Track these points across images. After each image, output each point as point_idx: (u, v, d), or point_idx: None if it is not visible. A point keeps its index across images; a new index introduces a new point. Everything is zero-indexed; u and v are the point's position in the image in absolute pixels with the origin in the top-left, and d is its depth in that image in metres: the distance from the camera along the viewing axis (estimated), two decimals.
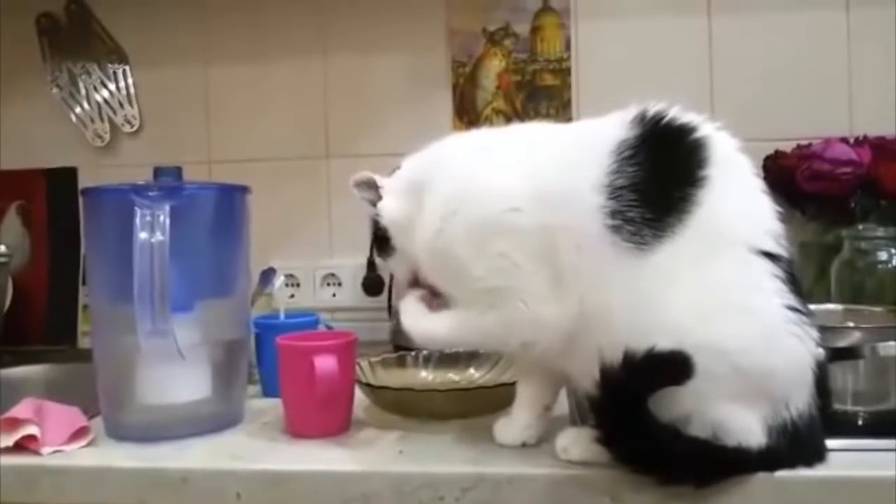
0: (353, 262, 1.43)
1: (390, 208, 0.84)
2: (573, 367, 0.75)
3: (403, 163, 0.86)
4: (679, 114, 0.74)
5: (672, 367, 0.65)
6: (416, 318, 0.80)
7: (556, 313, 0.72)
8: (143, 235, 0.81)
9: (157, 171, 0.91)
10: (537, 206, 0.73)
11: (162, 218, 0.82)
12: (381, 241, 0.85)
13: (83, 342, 1.49)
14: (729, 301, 0.69)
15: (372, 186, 0.86)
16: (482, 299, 0.75)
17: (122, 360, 0.89)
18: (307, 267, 1.48)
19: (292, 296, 1.45)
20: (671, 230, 0.69)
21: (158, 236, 0.81)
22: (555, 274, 0.72)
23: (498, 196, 0.74)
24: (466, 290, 0.76)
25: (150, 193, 0.84)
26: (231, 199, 0.95)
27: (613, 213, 0.70)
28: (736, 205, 0.71)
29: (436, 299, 0.81)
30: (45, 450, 0.82)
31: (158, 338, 0.81)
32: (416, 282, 0.83)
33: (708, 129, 0.73)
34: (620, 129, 0.73)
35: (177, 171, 0.91)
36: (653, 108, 0.74)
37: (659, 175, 0.71)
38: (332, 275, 1.47)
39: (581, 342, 0.72)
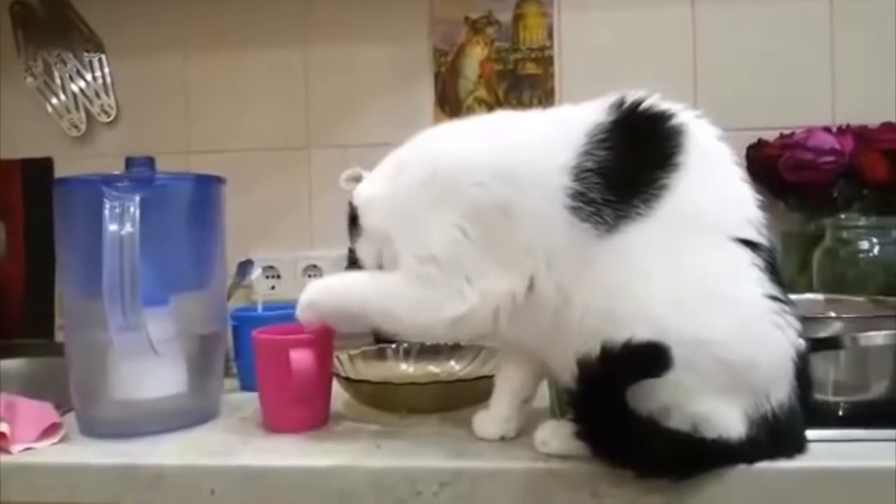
0: (334, 253, 1.41)
1: (363, 190, 0.85)
2: (551, 359, 0.75)
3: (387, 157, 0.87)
4: (658, 101, 0.73)
5: (650, 359, 0.64)
6: (326, 280, 0.83)
7: (498, 290, 0.73)
8: (112, 227, 0.80)
9: (129, 162, 0.89)
10: (502, 182, 0.73)
11: (132, 209, 0.80)
12: (352, 222, 0.85)
13: (60, 336, 1.47)
14: (708, 291, 0.68)
15: (359, 180, 0.87)
16: (421, 268, 0.75)
17: (94, 354, 0.87)
18: (288, 258, 1.46)
19: (273, 287, 1.43)
20: (636, 213, 0.68)
21: (128, 228, 0.80)
22: (504, 252, 0.73)
23: (466, 168, 0.75)
24: (411, 252, 0.76)
25: (120, 184, 0.82)
26: (205, 189, 0.94)
27: (575, 195, 0.69)
28: (713, 192, 0.71)
29: None
30: (15, 447, 0.81)
31: (130, 332, 0.80)
32: (380, 267, 0.82)
33: (686, 117, 0.73)
34: (597, 114, 0.73)
35: (149, 162, 0.89)
36: (632, 95, 0.73)
37: (629, 158, 0.70)
38: (314, 266, 1.46)
39: (557, 332, 0.71)
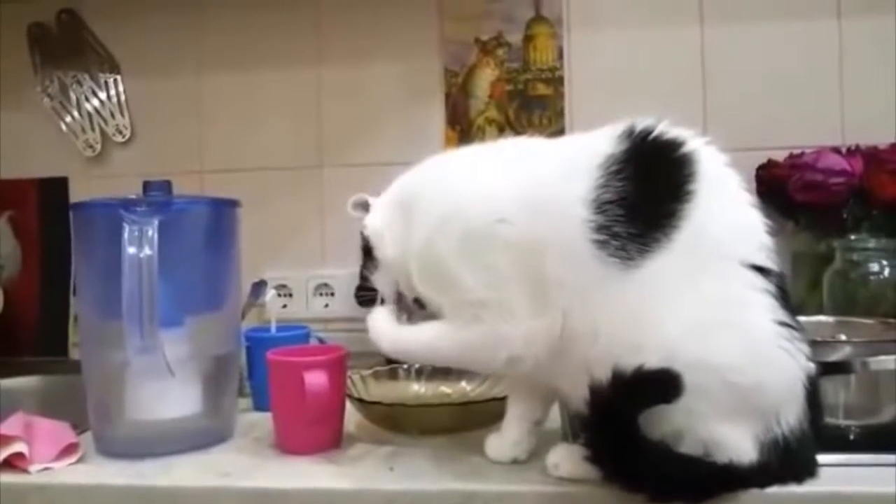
0: (346, 271, 1.43)
1: (374, 221, 0.85)
2: (563, 384, 0.75)
3: (396, 180, 0.87)
4: (667, 129, 0.74)
5: (661, 385, 0.65)
6: (390, 330, 0.81)
7: (540, 327, 0.72)
8: (131, 250, 0.81)
9: (147, 186, 0.90)
10: (525, 217, 0.73)
11: (150, 233, 0.81)
12: (366, 254, 0.86)
13: (74, 353, 1.48)
14: (719, 317, 0.68)
15: (366, 208, 0.88)
16: (469, 312, 0.74)
17: (111, 375, 0.88)
18: (300, 277, 1.47)
19: (285, 306, 1.44)
20: (657, 245, 0.69)
21: (147, 251, 0.81)
22: (539, 287, 0.72)
23: (487, 207, 0.74)
24: (454, 301, 0.76)
25: (139, 208, 0.83)
26: (221, 213, 0.95)
27: (599, 228, 0.70)
28: (724, 220, 0.71)
29: (404, 314, 0.82)
30: (34, 467, 0.82)
31: (147, 354, 0.81)
32: (398, 296, 0.84)
33: (695, 144, 0.73)
34: (608, 144, 0.73)
35: (166, 185, 0.90)
36: (641, 123, 0.74)
37: (646, 190, 0.71)
38: (325, 285, 1.47)
39: (570, 359, 0.72)
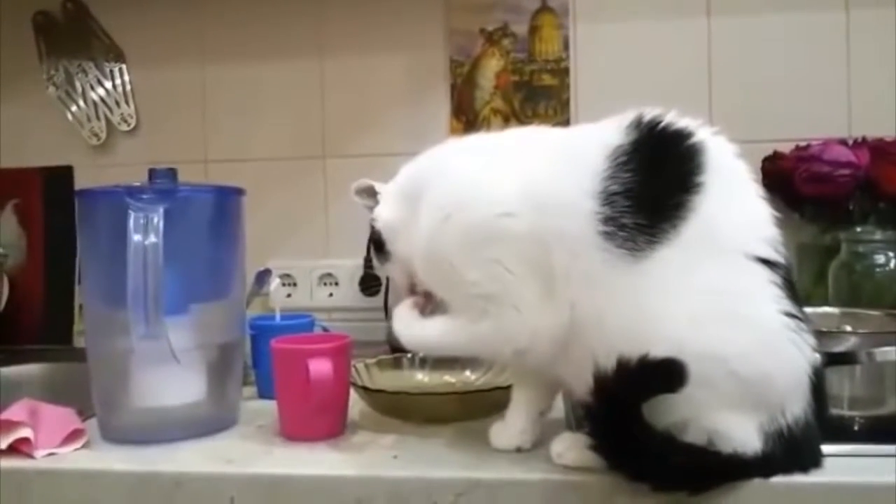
0: (350, 261, 1.43)
1: (385, 214, 0.85)
2: (568, 374, 0.75)
3: (401, 169, 0.86)
4: (675, 119, 0.73)
5: (666, 375, 0.65)
6: (408, 324, 0.81)
7: (547, 320, 0.72)
8: (136, 238, 0.81)
9: (152, 173, 0.90)
10: (531, 210, 0.72)
11: (156, 220, 0.81)
12: (378, 246, 0.86)
13: (79, 341, 1.49)
14: (725, 308, 0.68)
15: (371, 193, 0.88)
16: (475, 305, 0.74)
17: (116, 362, 0.88)
18: (304, 267, 1.48)
19: (289, 295, 1.45)
20: (665, 236, 0.69)
21: (152, 239, 0.81)
22: (546, 280, 0.72)
23: (492, 201, 0.74)
24: (460, 295, 0.76)
25: (144, 196, 0.83)
26: (226, 201, 0.95)
27: (606, 220, 0.69)
28: (732, 211, 0.71)
29: (430, 305, 0.82)
30: (39, 452, 0.82)
31: (152, 341, 0.81)
32: (413, 287, 0.83)
33: (704, 135, 0.72)
34: (616, 135, 0.73)
35: (172, 173, 0.90)
36: (649, 114, 0.73)
37: (654, 181, 0.70)
38: (329, 274, 1.47)
39: (575, 349, 0.72)
